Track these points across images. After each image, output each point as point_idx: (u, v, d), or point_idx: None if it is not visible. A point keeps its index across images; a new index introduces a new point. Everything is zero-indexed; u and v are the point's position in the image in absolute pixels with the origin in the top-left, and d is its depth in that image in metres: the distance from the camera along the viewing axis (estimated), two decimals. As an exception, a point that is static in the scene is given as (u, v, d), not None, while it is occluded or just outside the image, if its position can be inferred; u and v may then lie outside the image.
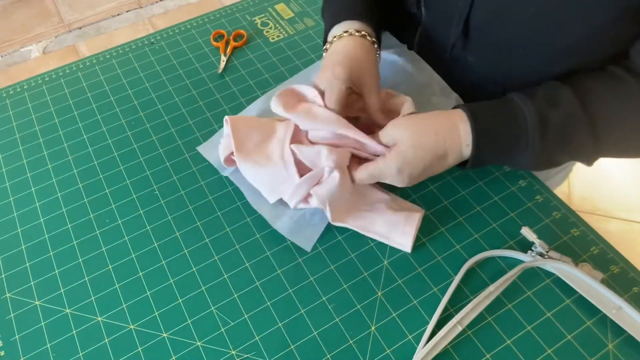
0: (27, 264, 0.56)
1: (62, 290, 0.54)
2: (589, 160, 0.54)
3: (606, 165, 1.61)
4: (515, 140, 0.51)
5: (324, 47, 0.61)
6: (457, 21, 0.58)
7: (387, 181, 0.54)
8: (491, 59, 0.60)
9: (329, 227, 0.57)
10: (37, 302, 0.53)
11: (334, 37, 0.59)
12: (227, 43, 0.77)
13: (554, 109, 0.50)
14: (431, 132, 0.51)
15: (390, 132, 0.53)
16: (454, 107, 0.54)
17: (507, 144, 0.51)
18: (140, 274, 0.55)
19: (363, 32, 0.58)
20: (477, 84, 0.63)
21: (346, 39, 0.58)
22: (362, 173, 0.54)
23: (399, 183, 0.53)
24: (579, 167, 1.79)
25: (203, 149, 0.65)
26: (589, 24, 0.49)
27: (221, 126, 0.67)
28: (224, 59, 0.75)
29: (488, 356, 0.48)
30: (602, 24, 0.48)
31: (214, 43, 0.77)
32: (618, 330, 0.49)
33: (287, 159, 0.57)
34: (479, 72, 0.62)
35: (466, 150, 0.52)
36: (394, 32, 0.75)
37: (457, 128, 0.51)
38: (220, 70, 0.74)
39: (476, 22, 0.57)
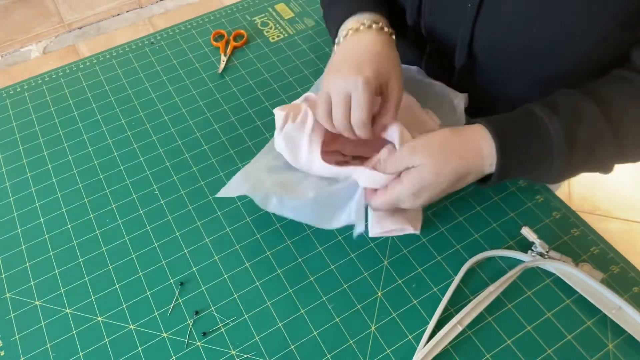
0: (27, 264, 0.56)
1: (62, 290, 0.54)
2: (609, 169, 0.52)
3: (606, 165, 1.61)
4: (541, 158, 0.48)
5: (335, 42, 0.55)
6: (460, 48, 0.57)
7: (404, 206, 0.49)
8: (498, 80, 0.59)
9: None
10: (37, 302, 0.53)
11: (349, 29, 0.52)
12: (227, 43, 0.77)
13: (579, 125, 0.47)
14: (454, 157, 0.47)
15: (409, 157, 0.48)
16: (474, 122, 0.50)
17: (532, 162, 0.48)
18: (140, 274, 0.55)
19: (381, 24, 0.52)
20: (486, 102, 0.61)
21: (365, 32, 0.51)
22: (378, 201, 0.50)
23: (414, 206, 0.49)
24: (579, 167, 1.73)
25: (226, 191, 0.55)
26: (591, 37, 0.48)
27: (221, 126, 0.67)
28: (224, 59, 0.75)
29: (488, 356, 0.48)
30: (604, 35, 0.48)
31: (214, 43, 0.77)
32: (618, 330, 0.49)
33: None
34: (486, 92, 0.61)
35: (489, 169, 0.48)
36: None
37: (480, 148, 0.47)
38: (220, 70, 0.74)
39: (479, 48, 0.56)
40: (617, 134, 0.47)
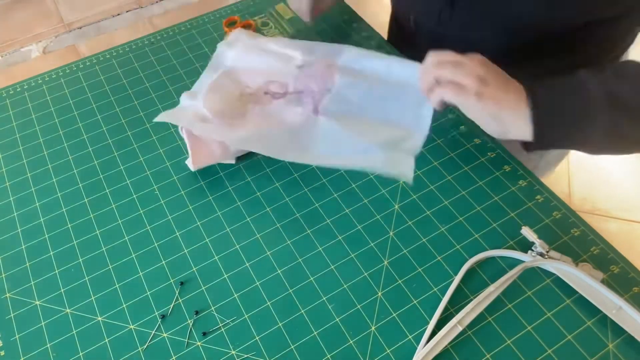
0: (27, 264, 0.56)
1: (62, 290, 0.54)
2: None
3: (606, 165, 1.61)
4: (580, 115, 0.48)
5: None
6: None
7: (465, 80, 0.50)
8: (477, 32, 0.61)
9: (328, 226, 0.57)
10: (37, 302, 0.53)
11: None
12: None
13: (620, 82, 0.47)
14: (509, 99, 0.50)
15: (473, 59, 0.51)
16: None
17: (570, 120, 0.48)
18: (141, 274, 0.55)
19: None
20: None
21: None
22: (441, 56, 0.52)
23: (475, 83, 0.49)
24: (579, 167, 1.79)
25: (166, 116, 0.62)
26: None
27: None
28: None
29: (488, 356, 0.48)
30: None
31: (226, 29, 0.78)
32: (618, 330, 0.49)
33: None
34: (468, 47, 0.60)
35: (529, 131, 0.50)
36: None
37: (521, 109, 0.49)
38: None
39: None
40: None
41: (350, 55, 0.67)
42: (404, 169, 0.55)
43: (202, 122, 0.61)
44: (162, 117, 0.62)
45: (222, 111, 0.63)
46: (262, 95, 0.66)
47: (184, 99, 0.65)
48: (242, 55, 0.70)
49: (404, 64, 0.63)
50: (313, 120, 0.63)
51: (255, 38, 0.72)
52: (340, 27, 0.79)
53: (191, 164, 0.61)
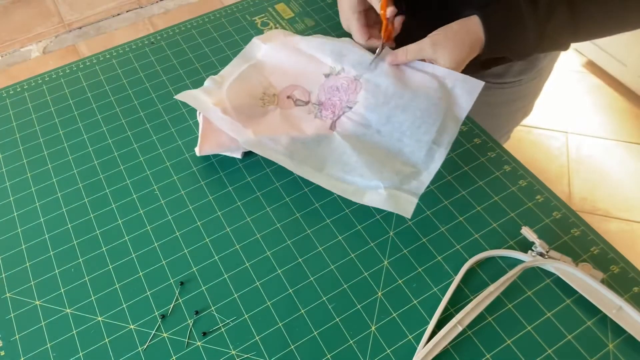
0: (27, 264, 0.56)
1: (62, 290, 0.54)
2: (566, 45, 0.62)
3: (606, 165, 1.61)
4: (515, 24, 0.59)
5: None
6: None
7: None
8: None
9: (328, 226, 0.57)
10: (37, 302, 0.53)
11: None
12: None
13: None
14: (465, 47, 0.60)
15: (430, 49, 0.61)
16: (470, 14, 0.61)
17: (510, 30, 0.59)
18: (141, 273, 0.55)
19: None
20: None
21: None
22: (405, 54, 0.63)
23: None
24: (579, 168, 1.78)
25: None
26: None
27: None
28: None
29: (488, 356, 0.48)
30: None
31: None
32: (618, 330, 0.49)
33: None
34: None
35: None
36: None
37: (480, 37, 0.60)
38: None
39: None
40: (572, 6, 0.56)
41: (381, 69, 0.64)
42: (405, 208, 0.55)
43: (221, 112, 0.61)
44: (183, 97, 0.63)
45: (241, 106, 0.63)
46: (284, 98, 0.66)
47: (209, 82, 0.66)
48: (274, 52, 0.70)
49: (430, 94, 0.61)
50: (328, 135, 0.62)
51: (291, 36, 0.72)
52: (339, 27, 0.79)
53: (197, 149, 0.62)
